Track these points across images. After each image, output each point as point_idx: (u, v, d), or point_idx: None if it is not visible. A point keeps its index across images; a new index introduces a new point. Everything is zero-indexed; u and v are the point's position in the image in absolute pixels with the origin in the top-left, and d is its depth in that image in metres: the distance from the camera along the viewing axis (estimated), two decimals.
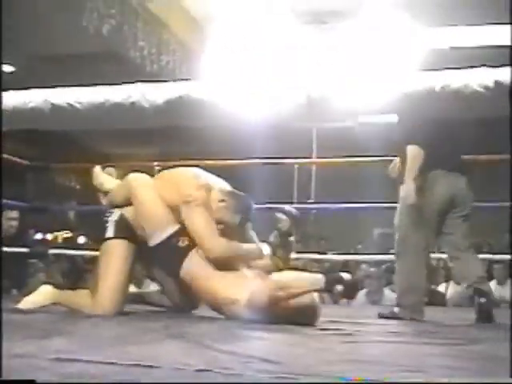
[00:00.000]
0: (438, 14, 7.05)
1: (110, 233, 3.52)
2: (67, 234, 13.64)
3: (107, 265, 3.45)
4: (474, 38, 7.86)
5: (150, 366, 1.59)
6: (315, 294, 3.09)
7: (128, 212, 3.56)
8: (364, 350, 2.26)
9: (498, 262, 6.43)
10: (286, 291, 3.01)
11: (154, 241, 3.42)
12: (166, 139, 10.50)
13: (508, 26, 6.81)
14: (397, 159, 4.15)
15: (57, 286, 3.69)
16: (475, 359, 2.06)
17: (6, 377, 0.71)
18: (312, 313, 3.06)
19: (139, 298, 3.84)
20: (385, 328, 3.20)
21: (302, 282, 3.12)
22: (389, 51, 6.85)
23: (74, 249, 7.88)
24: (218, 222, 3.44)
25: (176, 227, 3.43)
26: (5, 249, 5.77)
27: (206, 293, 3.29)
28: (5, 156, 5.69)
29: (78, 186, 14.17)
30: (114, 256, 3.45)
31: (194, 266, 3.32)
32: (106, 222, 3.55)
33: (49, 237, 12.13)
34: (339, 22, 6.80)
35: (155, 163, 5.74)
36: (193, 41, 8.11)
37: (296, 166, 6.41)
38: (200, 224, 3.36)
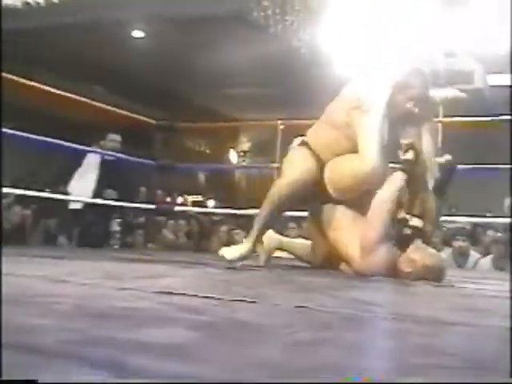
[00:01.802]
0: None
1: (294, 144, 3.46)
2: (197, 198, 13.99)
3: (289, 166, 3.39)
4: None
5: (249, 301, 1.59)
6: (443, 256, 3.01)
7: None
8: (476, 302, 2.17)
9: None
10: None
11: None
12: (290, 104, 10.46)
13: None
14: None
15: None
16: None
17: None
18: (438, 273, 2.98)
19: (286, 246, 3.72)
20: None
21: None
22: None
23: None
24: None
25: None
26: (134, 205, 6.00)
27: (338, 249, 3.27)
28: (133, 115, 5.89)
29: (207, 151, 14.37)
30: (297, 158, 3.37)
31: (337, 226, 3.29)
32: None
33: (179, 200, 12.43)
34: None
35: (279, 122, 5.81)
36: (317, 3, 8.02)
37: None
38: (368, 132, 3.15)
